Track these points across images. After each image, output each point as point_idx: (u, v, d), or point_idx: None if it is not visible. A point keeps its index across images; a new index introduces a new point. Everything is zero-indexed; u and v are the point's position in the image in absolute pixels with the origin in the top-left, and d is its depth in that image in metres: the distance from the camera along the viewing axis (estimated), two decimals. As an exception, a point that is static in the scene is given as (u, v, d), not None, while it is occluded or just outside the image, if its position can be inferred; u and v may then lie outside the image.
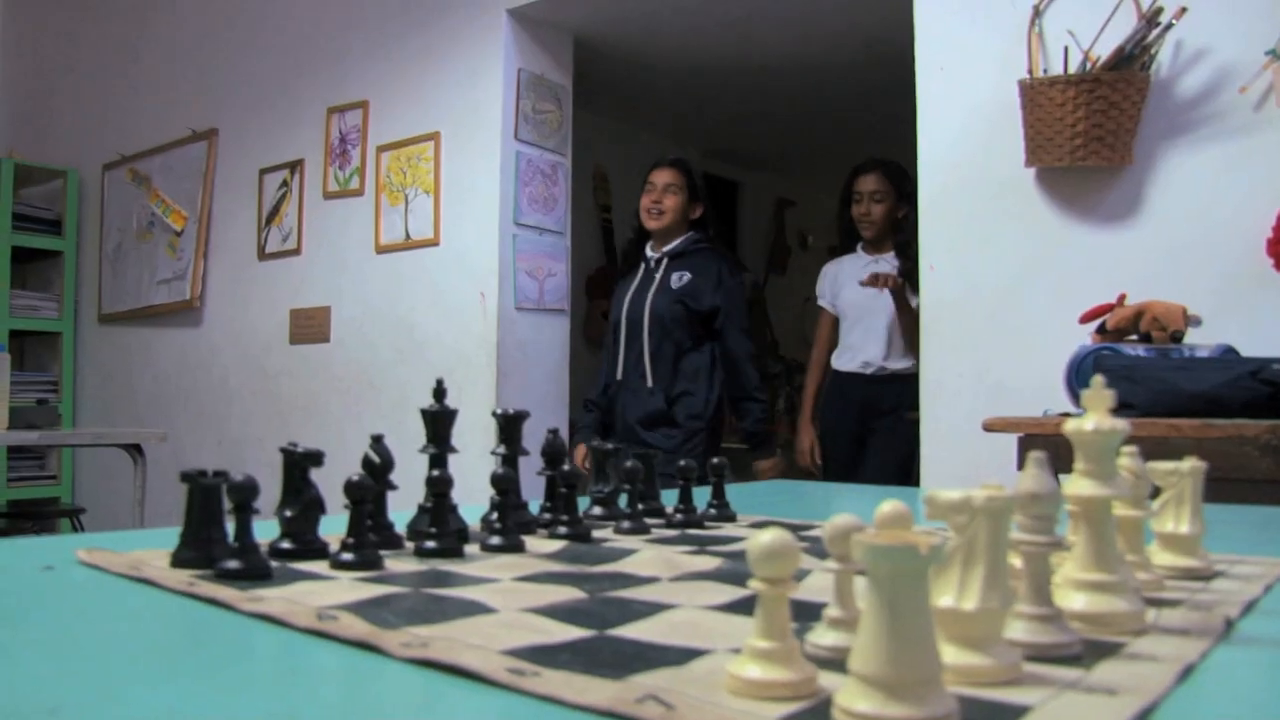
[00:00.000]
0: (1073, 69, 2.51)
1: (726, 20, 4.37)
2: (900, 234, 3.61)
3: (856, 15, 4.34)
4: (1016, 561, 0.54)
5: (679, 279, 3.52)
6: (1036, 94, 2.51)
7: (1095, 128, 2.46)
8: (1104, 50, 2.47)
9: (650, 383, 3.49)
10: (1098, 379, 0.62)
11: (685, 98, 5.70)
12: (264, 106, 4.76)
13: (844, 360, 3.77)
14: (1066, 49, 2.54)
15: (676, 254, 3.56)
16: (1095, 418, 0.61)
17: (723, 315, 3.50)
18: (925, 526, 0.58)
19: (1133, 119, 2.46)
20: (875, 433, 3.67)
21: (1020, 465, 2.02)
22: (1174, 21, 2.42)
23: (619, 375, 3.55)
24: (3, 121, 6.25)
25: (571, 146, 4.21)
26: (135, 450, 3.65)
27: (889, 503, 0.48)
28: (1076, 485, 0.61)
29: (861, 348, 3.69)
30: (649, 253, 3.62)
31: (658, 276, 3.54)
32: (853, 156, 7.24)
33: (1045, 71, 2.59)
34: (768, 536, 0.45)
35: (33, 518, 5.29)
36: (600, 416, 3.62)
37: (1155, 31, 2.42)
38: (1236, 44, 2.40)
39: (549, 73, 4.10)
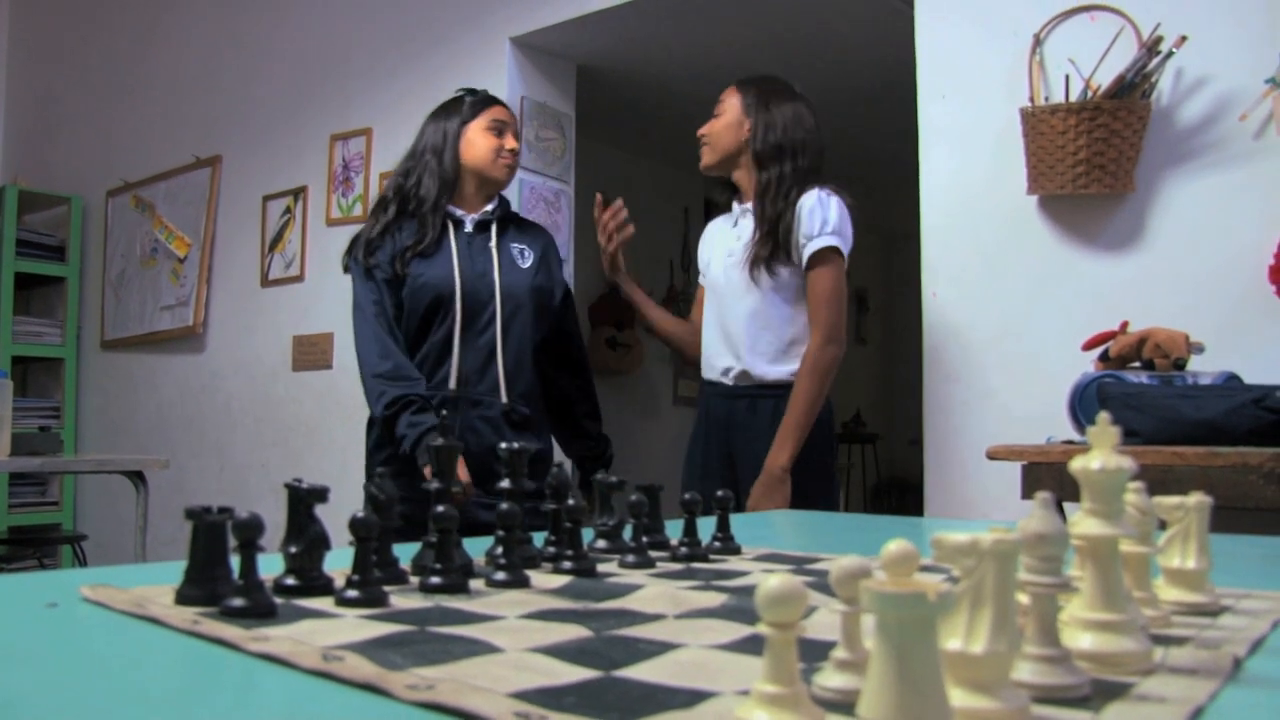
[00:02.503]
0: (1074, 97, 2.52)
1: (730, 48, 4.40)
2: (765, 172, 2.63)
3: (860, 44, 4.36)
4: (1023, 598, 0.54)
5: (524, 255, 2.67)
6: (1038, 122, 2.52)
7: (1097, 155, 2.47)
8: (1105, 78, 2.49)
9: (505, 396, 2.55)
10: (1103, 415, 0.62)
11: (688, 125, 5.70)
12: (267, 134, 4.78)
13: (705, 365, 2.79)
14: (1068, 77, 2.55)
15: (504, 219, 2.70)
16: (1101, 456, 0.61)
17: (563, 299, 2.76)
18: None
19: (1134, 147, 2.47)
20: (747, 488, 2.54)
21: (1024, 493, 2.02)
22: (1174, 50, 2.43)
23: (452, 383, 2.52)
24: (7, 148, 6.28)
25: (575, 174, 4.22)
26: (137, 477, 3.64)
27: (895, 542, 0.48)
28: (1083, 524, 0.61)
29: (719, 346, 2.70)
30: (455, 212, 2.65)
31: (493, 249, 2.62)
32: (855, 183, 7.28)
33: (1047, 99, 2.60)
34: (775, 581, 0.44)
35: (34, 544, 5.29)
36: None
37: (1156, 60, 2.43)
38: (1237, 72, 2.41)
39: (552, 100, 4.12)
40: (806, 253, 2.53)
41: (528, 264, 2.65)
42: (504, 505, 0.90)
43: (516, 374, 2.57)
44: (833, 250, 2.53)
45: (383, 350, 2.52)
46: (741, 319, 2.63)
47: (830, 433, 2.64)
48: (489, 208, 2.67)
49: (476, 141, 2.65)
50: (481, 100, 2.72)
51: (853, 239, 2.60)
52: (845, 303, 2.58)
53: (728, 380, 2.65)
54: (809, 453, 2.52)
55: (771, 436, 2.52)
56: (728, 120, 2.70)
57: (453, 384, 2.52)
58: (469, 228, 2.63)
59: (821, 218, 2.53)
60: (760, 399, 2.59)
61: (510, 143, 2.67)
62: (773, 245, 2.57)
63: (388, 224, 2.64)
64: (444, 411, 0.96)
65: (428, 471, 2.35)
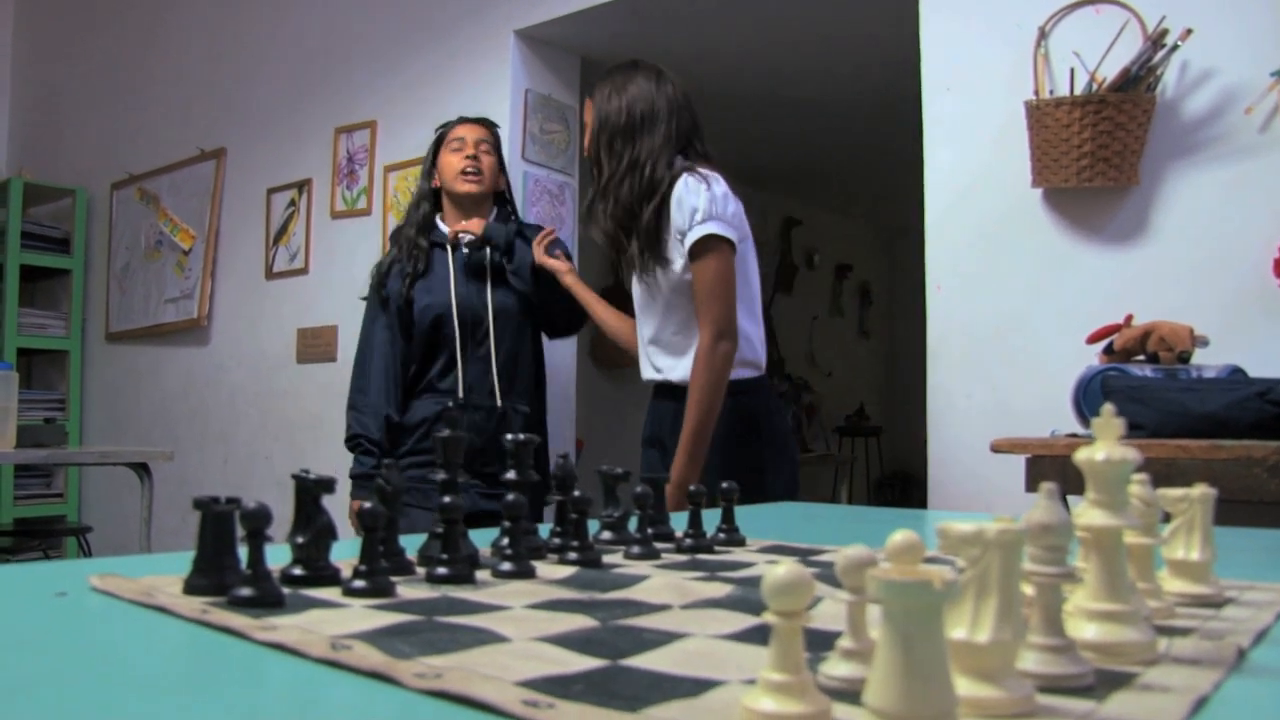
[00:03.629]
0: (1079, 90, 2.52)
1: (733, 41, 4.39)
2: (603, 173, 2.51)
3: (864, 36, 4.36)
4: (1028, 589, 0.54)
5: (510, 267, 2.91)
6: (1043, 115, 2.52)
7: (1101, 149, 2.46)
8: (1110, 71, 2.48)
9: (499, 399, 2.86)
10: (1108, 407, 0.62)
11: (691, 117, 5.71)
12: (272, 126, 4.78)
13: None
14: (1073, 70, 2.55)
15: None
16: (1106, 447, 0.61)
17: (545, 284, 2.93)
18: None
19: (1139, 140, 2.47)
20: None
21: (1028, 486, 2.03)
22: (1180, 43, 2.42)
23: (461, 391, 2.85)
24: (12, 141, 6.29)
25: (579, 166, 4.22)
26: (142, 469, 3.65)
27: (900, 533, 0.48)
28: (1088, 515, 0.61)
29: (643, 352, 2.59)
30: (446, 230, 2.95)
31: (486, 266, 2.90)
32: (860, 176, 7.29)
33: (1051, 92, 2.59)
34: (782, 569, 0.45)
35: (39, 536, 5.30)
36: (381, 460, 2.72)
37: (1161, 53, 2.43)
38: (1242, 65, 2.40)
39: (556, 93, 4.12)
40: (685, 246, 2.34)
41: (516, 274, 2.89)
42: (510, 496, 0.90)
43: (512, 378, 2.88)
44: (712, 238, 2.32)
45: (360, 384, 2.92)
46: (646, 328, 2.53)
47: (755, 424, 2.44)
48: (481, 230, 2.90)
49: (444, 165, 2.94)
50: (449, 126, 3.00)
51: (743, 218, 2.42)
52: (734, 291, 2.36)
53: (657, 377, 2.53)
54: (717, 455, 2.34)
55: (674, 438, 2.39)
56: (589, 129, 2.56)
57: (461, 392, 2.83)
58: (465, 247, 2.90)
59: (690, 206, 2.33)
60: (666, 400, 2.50)
61: (467, 152, 2.91)
62: (644, 252, 2.40)
63: (396, 255, 2.97)
64: (450, 404, 0.96)
65: (354, 505, 2.77)
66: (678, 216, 2.36)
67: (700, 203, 2.33)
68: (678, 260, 2.38)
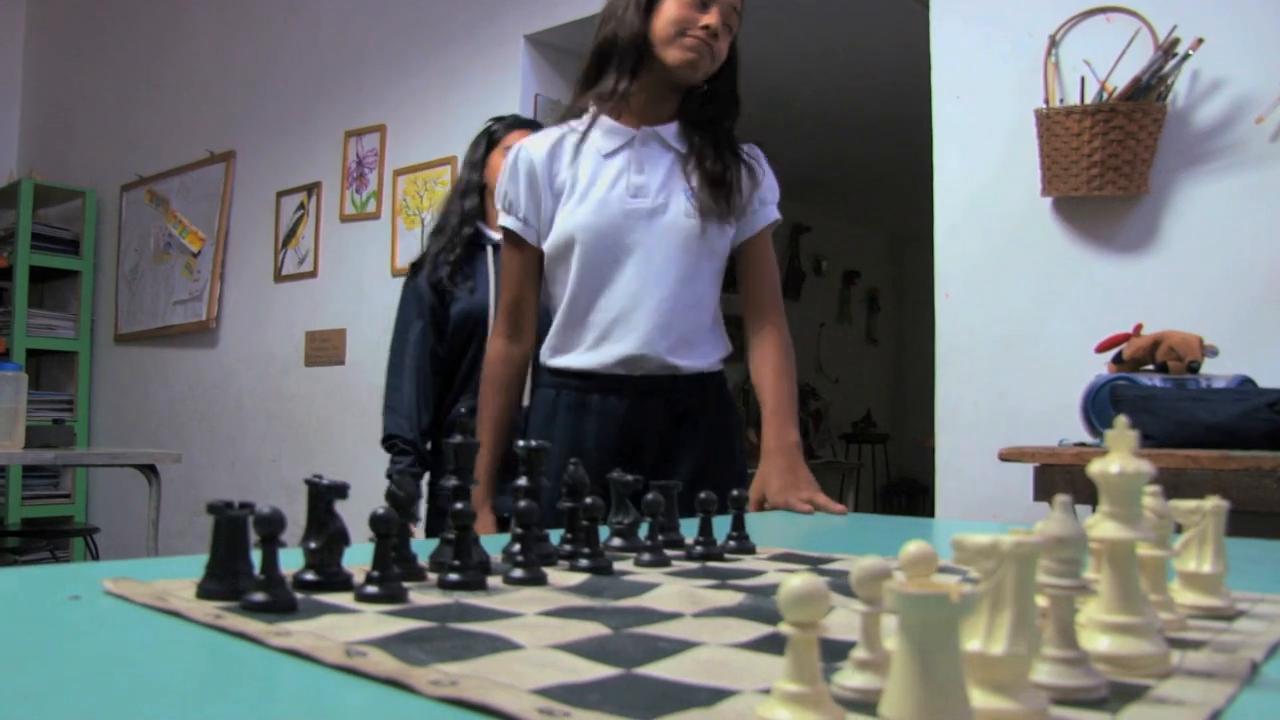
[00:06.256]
0: (1089, 99, 2.52)
1: (743, 48, 4.39)
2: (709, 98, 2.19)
3: (873, 44, 4.36)
4: (1042, 601, 0.54)
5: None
6: (1053, 123, 2.52)
7: (1111, 157, 2.46)
8: (1120, 80, 2.48)
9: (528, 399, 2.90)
10: (1121, 419, 0.62)
11: (700, 123, 5.72)
12: (282, 129, 4.79)
13: (592, 355, 1.91)
14: (1083, 79, 2.55)
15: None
16: (1120, 460, 0.61)
17: None
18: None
19: (1149, 149, 2.47)
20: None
21: (1036, 495, 2.02)
22: (1190, 52, 2.42)
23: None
24: (23, 142, 6.31)
25: (587, 171, 4.22)
26: (150, 471, 3.66)
27: (914, 543, 0.48)
28: (1101, 527, 0.61)
29: (622, 324, 1.90)
30: (488, 233, 2.76)
31: (490, 263, 2.75)
32: (868, 184, 7.28)
33: (1062, 101, 2.59)
34: (799, 580, 0.45)
35: (47, 536, 5.31)
36: (418, 458, 2.69)
37: (1172, 62, 2.43)
38: (1253, 75, 2.40)
39: (566, 98, 4.12)
40: (766, 220, 2.04)
41: None
42: (522, 503, 0.90)
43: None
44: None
45: (395, 383, 2.77)
46: (663, 289, 1.91)
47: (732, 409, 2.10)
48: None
49: (494, 166, 2.76)
50: (504, 126, 2.88)
51: None
52: None
53: (635, 373, 1.90)
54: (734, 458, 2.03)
55: (712, 451, 1.96)
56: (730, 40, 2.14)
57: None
58: (489, 248, 2.76)
59: (774, 183, 2.09)
60: (689, 395, 1.94)
61: None
62: (715, 198, 1.97)
63: (439, 249, 2.80)
64: (462, 409, 0.96)
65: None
66: (767, 185, 2.08)
67: (777, 186, 2.11)
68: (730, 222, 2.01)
